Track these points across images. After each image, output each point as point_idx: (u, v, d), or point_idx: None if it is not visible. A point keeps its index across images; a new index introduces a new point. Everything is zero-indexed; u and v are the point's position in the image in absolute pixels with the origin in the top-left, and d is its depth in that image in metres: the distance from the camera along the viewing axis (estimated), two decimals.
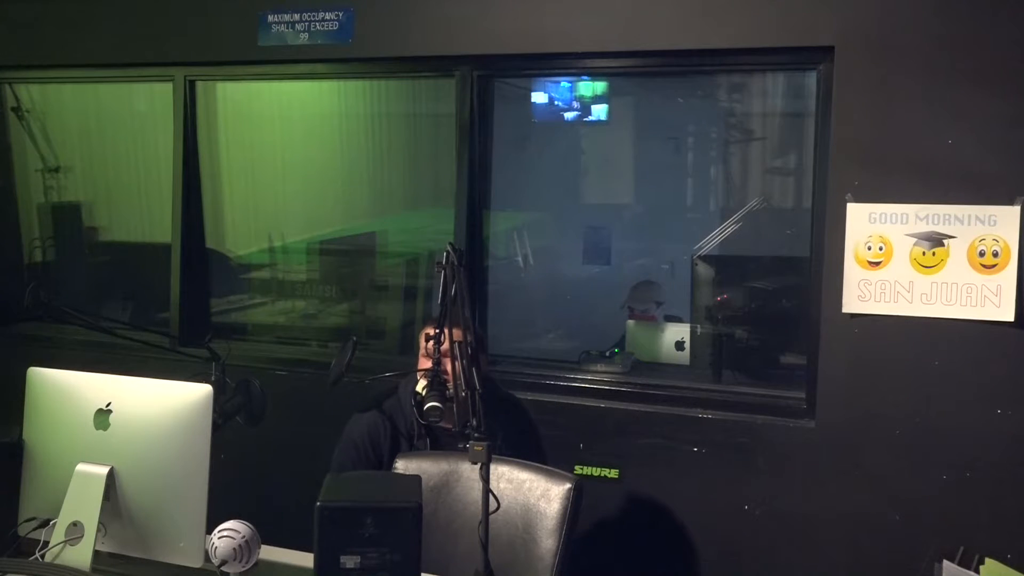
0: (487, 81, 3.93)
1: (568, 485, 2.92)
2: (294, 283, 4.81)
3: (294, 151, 4.87)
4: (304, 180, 4.88)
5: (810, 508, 3.40)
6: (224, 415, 2.88)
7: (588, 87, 4.57)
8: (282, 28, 4.02)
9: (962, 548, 2.43)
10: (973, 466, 3.20)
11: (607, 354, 3.97)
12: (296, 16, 3.99)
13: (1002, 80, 3.11)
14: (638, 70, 3.87)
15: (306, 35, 3.98)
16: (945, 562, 2.29)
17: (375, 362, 3.85)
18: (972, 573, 2.30)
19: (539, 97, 4.57)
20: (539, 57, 3.76)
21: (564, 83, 4.54)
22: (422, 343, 3.25)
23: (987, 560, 2.38)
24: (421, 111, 4.73)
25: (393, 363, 3.83)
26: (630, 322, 4.07)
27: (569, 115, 4.62)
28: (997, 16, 3.11)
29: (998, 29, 3.11)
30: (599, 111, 4.62)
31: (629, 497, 3.62)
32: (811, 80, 3.51)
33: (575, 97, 4.60)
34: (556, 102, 4.61)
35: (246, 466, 3.79)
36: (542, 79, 4.45)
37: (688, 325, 4.01)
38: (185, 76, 4.35)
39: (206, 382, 2.35)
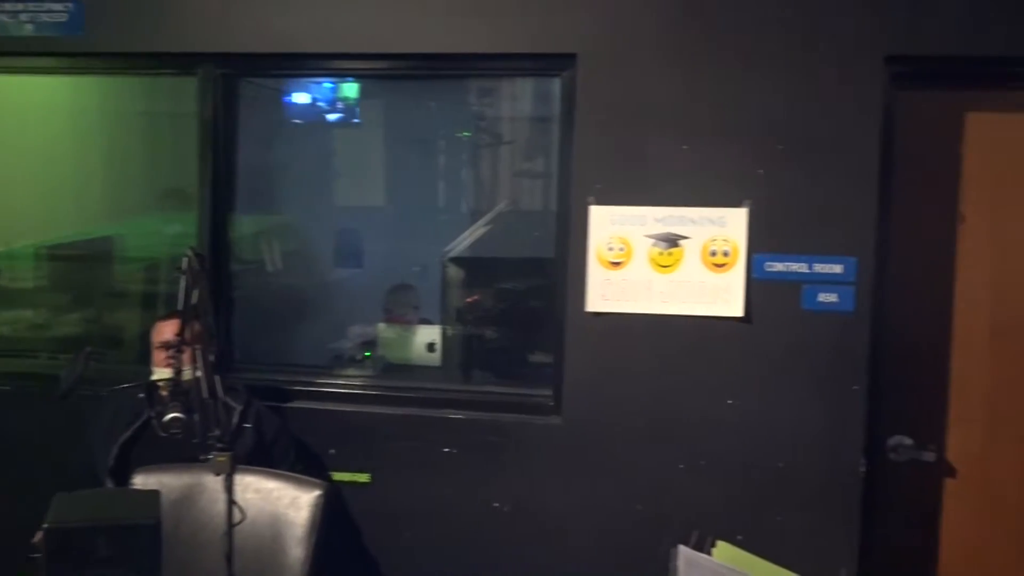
0: (231, 80, 3.80)
1: (317, 492, 2.90)
2: (20, 291, 4.47)
3: (17, 149, 4.52)
4: (31, 181, 4.54)
5: (558, 502, 3.48)
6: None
7: (341, 89, 4.51)
8: (3, 18, 3.75)
9: (696, 532, 2.54)
10: (707, 454, 3.38)
11: (357, 358, 3.93)
12: (19, 5, 3.73)
13: (732, 90, 3.30)
14: (388, 73, 3.85)
15: (31, 26, 3.73)
16: (681, 547, 2.38)
17: (112, 372, 3.67)
18: (705, 555, 2.41)
19: (290, 97, 4.47)
20: (286, 57, 3.67)
21: (326, 84, 4.46)
22: (156, 342, 3.15)
23: (719, 543, 2.50)
24: (162, 110, 4.51)
25: (132, 373, 3.63)
26: (381, 325, 4.04)
27: (321, 116, 4.54)
28: (730, 27, 3.30)
29: (732, 41, 3.30)
30: (351, 113, 4.58)
31: (381, 501, 3.58)
32: (556, 86, 3.60)
33: (327, 98, 4.53)
34: (308, 103, 4.52)
35: None
36: (294, 79, 4.35)
37: (439, 327, 4.02)
38: None
39: None
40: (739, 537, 2.81)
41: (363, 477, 3.57)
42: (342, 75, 4.26)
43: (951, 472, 3.45)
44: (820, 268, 3.28)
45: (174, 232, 4.20)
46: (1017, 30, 3.17)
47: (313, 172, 4.71)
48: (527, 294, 3.97)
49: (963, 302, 3.40)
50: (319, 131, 4.62)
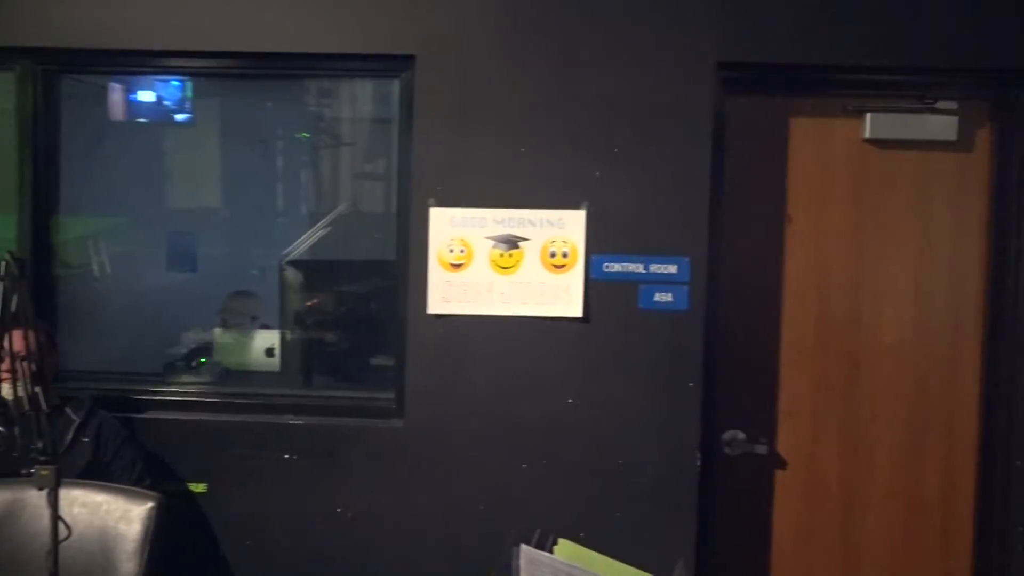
0: (53, 77, 3.62)
1: (149, 504, 2.81)
2: None
3: None
4: None
5: (401, 506, 3.46)
6: None
7: (175, 87, 4.37)
8: None
9: (538, 531, 2.56)
10: (548, 453, 3.41)
11: (192, 364, 3.81)
12: None
13: (569, 94, 3.35)
14: (221, 71, 3.73)
15: None
16: (522, 545, 2.39)
17: None
18: (546, 553, 2.42)
19: (121, 95, 4.30)
20: (111, 53, 3.52)
21: (174, 82, 4.30)
22: None
23: (560, 540, 2.52)
24: None
25: None
26: (217, 330, 3.93)
27: (155, 115, 4.39)
28: (566, 32, 3.34)
29: (568, 45, 3.35)
30: (186, 112, 4.44)
31: (218, 511, 3.48)
32: (395, 87, 3.57)
33: (163, 97, 4.38)
34: (139, 101, 4.36)
35: None
36: (124, 76, 4.18)
37: (278, 331, 3.93)
38: None
39: None
40: (581, 534, 2.87)
41: (199, 487, 3.47)
42: (172, 73, 4.12)
43: (782, 464, 3.59)
44: (656, 268, 3.36)
45: None
46: (834, 40, 3.33)
47: (145, 172, 4.56)
48: (368, 297, 3.94)
49: (790, 300, 3.55)
50: (152, 130, 4.47)
